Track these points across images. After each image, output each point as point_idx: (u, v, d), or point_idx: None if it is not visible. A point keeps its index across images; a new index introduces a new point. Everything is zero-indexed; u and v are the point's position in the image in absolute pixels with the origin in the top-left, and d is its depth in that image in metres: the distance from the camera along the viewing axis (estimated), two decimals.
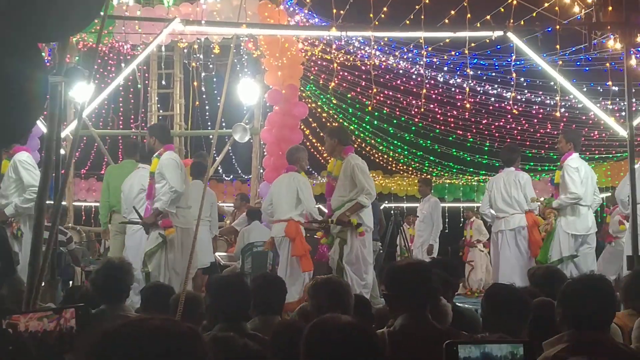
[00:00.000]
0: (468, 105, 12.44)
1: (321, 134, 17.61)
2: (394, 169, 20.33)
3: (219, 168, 17.20)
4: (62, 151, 6.38)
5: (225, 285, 4.53)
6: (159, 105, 14.32)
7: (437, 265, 5.08)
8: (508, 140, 16.04)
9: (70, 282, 10.50)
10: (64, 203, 12.49)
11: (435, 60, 12.52)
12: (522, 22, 8.79)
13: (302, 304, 5.27)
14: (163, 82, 14.21)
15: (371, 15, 8.66)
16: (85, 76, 4.62)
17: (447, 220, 17.46)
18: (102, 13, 4.09)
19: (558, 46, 8.54)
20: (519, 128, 15.76)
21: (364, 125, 17.02)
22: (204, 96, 14.89)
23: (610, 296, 3.59)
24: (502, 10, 8.65)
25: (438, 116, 15.73)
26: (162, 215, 7.66)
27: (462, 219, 18.74)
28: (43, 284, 5.72)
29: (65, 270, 10.14)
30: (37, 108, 3.21)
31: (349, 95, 15.36)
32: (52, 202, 4.32)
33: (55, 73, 4.49)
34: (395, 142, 18.22)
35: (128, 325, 1.70)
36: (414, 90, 14.08)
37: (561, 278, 5.25)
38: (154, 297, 5.28)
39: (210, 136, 15.06)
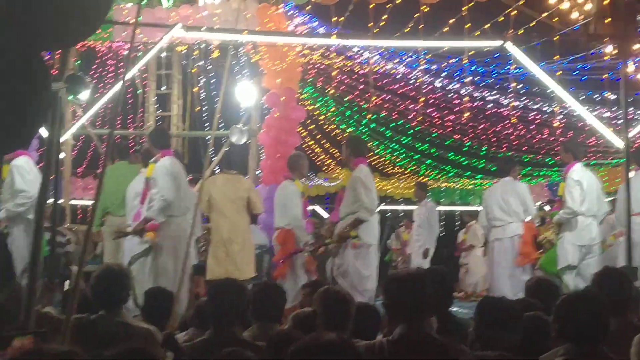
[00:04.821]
0: (467, 114, 12.46)
1: (319, 136, 17.78)
2: (390, 171, 20.35)
3: (216, 169, 17.19)
4: (61, 155, 6.47)
5: (218, 289, 4.56)
6: (157, 106, 14.32)
7: (433, 276, 5.06)
8: (505, 145, 16.09)
9: (66, 283, 10.51)
10: (61, 202, 12.55)
11: (433, 67, 12.55)
12: (521, 32, 8.81)
13: (296, 312, 5.27)
14: (163, 88, 14.18)
15: (370, 25, 8.69)
16: (86, 84, 4.66)
17: (443, 223, 17.50)
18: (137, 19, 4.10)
19: (556, 57, 8.57)
20: (516, 133, 15.80)
21: (361, 128, 17.05)
22: (202, 97, 14.90)
23: (605, 311, 3.65)
24: (501, 19, 8.68)
25: (435, 120, 15.76)
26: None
27: (457, 223, 18.81)
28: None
29: (61, 271, 10.16)
30: (40, 116, 3.22)
31: (346, 98, 15.39)
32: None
33: (56, 79, 4.51)
34: (392, 145, 18.23)
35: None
36: (412, 94, 14.11)
37: (554, 290, 5.32)
38: (155, 302, 5.34)
39: (207, 137, 15.07)
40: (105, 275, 4.82)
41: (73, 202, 16.09)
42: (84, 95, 7.12)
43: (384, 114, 15.94)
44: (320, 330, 3.85)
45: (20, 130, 3.11)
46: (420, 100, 11.32)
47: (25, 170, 7.83)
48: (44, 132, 8.02)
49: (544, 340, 4.03)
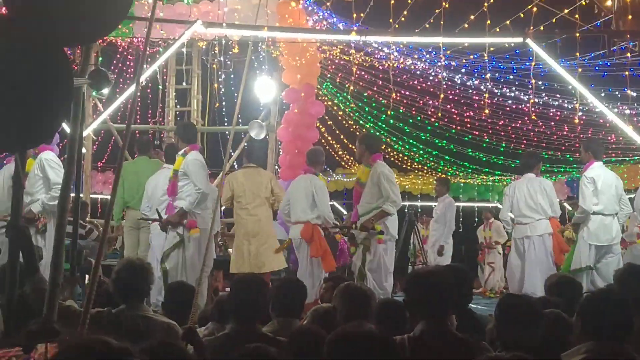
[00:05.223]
0: (487, 111, 12.40)
1: (337, 132, 17.76)
2: (409, 167, 20.30)
3: (235, 164, 17.25)
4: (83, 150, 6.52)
5: (240, 284, 4.54)
6: (176, 101, 14.37)
7: (454, 273, 5.05)
8: (525, 141, 16.01)
9: (87, 276, 10.58)
10: (81, 196, 12.61)
11: (453, 63, 12.51)
12: (542, 28, 8.75)
13: (315, 307, 5.27)
14: (184, 83, 14.22)
15: (391, 20, 8.69)
16: (109, 80, 4.68)
17: (461, 219, 17.45)
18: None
19: (578, 54, 8.51)
20: (536, 130, 15.72)
21: (379, 124, 17.03)
22: (222, 91, 14.92)
23: (628, 309, 3.63)
24: (522, 15, 8.63)
25: (454, 116, 15.71)
26: (187, 215, 7.76)
27: (476, 219, 18.73)
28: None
29: (82, 264, 10.23)
30: (63, 111, 3.25)
31: (365, 94, 15.37)
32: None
33: (79, 75, 4.52)
34: (411, 141, 18.20)
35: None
36: (431, 90, 14.08)
37: (575, 288, 5.29)
38: (176, 297, 5.38)
39: (227, 132, 15.10)
40: (127, 269, 4.85)
41: (93, 196, 16.23)
42: (107, 90, 7.19)
43: (403, 110, 15.90)
44: (361, 322, 3.85)
45: (44, 124, 3.14)
46: (440, 96, 11.26)
47: (56, 163, 7.92)
48: (65, 126, 8.11)
49: (563, 338, 4.01)
